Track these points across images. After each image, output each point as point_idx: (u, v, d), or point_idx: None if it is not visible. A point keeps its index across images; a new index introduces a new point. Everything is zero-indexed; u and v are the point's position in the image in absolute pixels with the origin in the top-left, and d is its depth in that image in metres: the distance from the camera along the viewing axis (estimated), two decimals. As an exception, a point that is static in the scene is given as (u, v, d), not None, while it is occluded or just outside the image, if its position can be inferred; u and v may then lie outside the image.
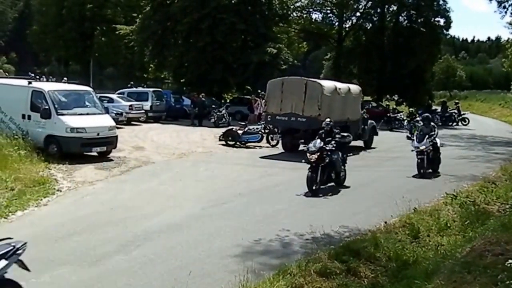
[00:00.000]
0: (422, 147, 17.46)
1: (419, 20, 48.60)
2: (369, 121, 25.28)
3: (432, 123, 18.85)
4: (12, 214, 11.57)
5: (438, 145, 18.26)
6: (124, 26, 51.59)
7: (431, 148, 17.66)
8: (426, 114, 20.06)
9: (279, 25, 48.83)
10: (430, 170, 17.81)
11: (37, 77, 31.74)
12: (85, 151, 18.30)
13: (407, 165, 19.72)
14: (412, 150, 17.76)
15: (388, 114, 37.23)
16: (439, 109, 42.06)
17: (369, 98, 46.00)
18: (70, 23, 56.11)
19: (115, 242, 9.85)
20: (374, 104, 43.86)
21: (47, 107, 17.78)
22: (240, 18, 40.46)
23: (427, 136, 17.62)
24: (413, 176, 17.14)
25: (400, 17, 50.51)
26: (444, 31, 51.58)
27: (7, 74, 33.71)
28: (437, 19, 48.94)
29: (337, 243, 9.76)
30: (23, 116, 18.27)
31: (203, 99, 34.30)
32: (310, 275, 7.93)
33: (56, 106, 17.89)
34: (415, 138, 18.27)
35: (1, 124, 18.43)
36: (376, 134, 26.11)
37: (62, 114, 17.87)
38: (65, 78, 31.29)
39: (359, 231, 10.61)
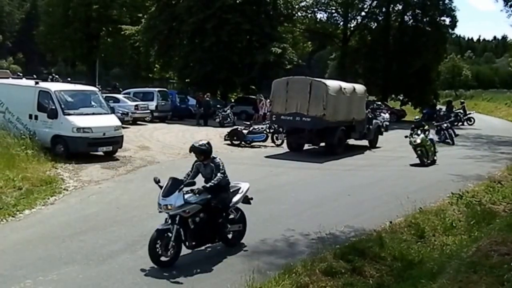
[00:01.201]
0: None
1: (424, 20, 48.39)
2: (374, 121, 25.29)
3: None
4: (20, 213, 11.67)
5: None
6: (130, 26, 51.65)
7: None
8: None
9: (284, 24, 48.82)
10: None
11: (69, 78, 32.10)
12: (91, 150, 18.38)
13: (412, 165, 19.74)
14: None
15: (436, 124, 28.05)
16: (444, 108, 41.96)
17: (374, 97, 45.90)
18: (76, 24, 56.21)
19: (121, 241, 9.90)
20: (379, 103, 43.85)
21: (53, 107, 17.85)
22: (245, 18, 40.45)
23: None
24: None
25: (406, 17, 50.30)
26: (450, 30, 51.36)
27: (19, 74, 33.71)
28: (442, 18, 48.71)
29: (342, 242, 9.79)
30: (30, 116, 18.34)
31: (207, 99, 34.34)
32: (315, 275, 7.96)
33: (63, 106, 17.95)
34: None
35: (8, 124, 18.46)
36: (381, 133, 26.11)
37: (69, 114, 17.92)
38: (99, 86, 31.45)
39: (364, 230, 10.62)
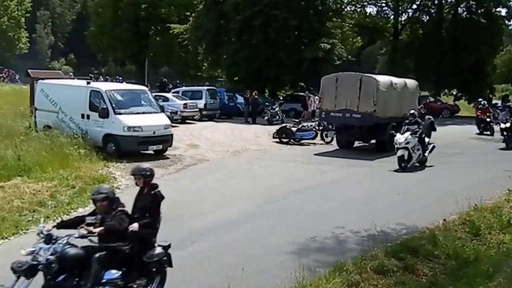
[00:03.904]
0: None
1: (479, 11, 46.94)
2: (427, 117, 24.76)
3: None
4: (74, 211, 11.93)
5: None
6: (178, 25, 52.09)
7: None
8: None
9: (333, 20, 48.29)
10: None
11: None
12: (142, 149, 18.60)
13: (466, 161, 19.32)
14: None
15: None
16: (500, 103, 40.75)
17: (426, 93, 44.96)
18: (125, 24, 57.05)
19: (172, 238, 9.87)
20: (432, 99, 42.96)
21: (105, 106, 18.17)
22: (293, 14, 40.17)
23: None
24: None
25: (459, 9, 48.84)
26: (506, 21, 49.68)
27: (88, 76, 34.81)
28: (498, 9, 47.16)
29: (393, 240, 9.63)
30: (82, 116, 18.70)
31: (256, 96, 34.35)
32: (366, 273, 7.86)
33: (114, 105, 18.25)
34: None
35: (62, 123, 18.89)
36: (434, 129, 25.55)
37: (120, 113, 18.21)
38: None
39: (417, 228, 10.44)
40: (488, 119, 28.91)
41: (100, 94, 18.47)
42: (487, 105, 31.78)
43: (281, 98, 40.83)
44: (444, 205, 11.75)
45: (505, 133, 22.98)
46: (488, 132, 28.27)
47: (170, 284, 8.02)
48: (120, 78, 34.57)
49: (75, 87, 20.11)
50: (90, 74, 36.47)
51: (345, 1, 50.21)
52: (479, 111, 29.90)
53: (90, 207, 12.26)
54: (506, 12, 47.30)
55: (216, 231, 10.46)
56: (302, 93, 38.37)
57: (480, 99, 34.03)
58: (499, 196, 13.00)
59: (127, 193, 13.76)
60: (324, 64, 39.43)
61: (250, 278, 8.02)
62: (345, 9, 51.39)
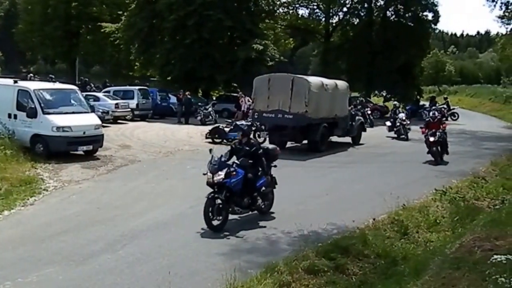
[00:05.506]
0: None
1: (407, 15, 48.41)
2: (357, 117, 25.28)
3: None
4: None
5: None
6: (110, 24, 51.25)
7: None
8: None
9: (266, 21, 48.65)
10: None
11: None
12: (71, 150, 18.16)
13: (396, 161, 19.79)
14: None
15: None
16: (427, 104, 42.02)
17: (357, 94, 45.91)
18: (56, 22, 55.56)
19: (102, 241, 9.80)
20: (362, 100, 43.88)
21: (33, 106, 17.62)
22: (227, 14, 40.23)
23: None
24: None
25: (388, 12, 50.19)
26: (433, 25, 51.33)
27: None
28: (425, 13, 48.77)
29: (325, 240, 9.72)
30: (9, 116, 18.05)
31: (189, 96, 34.15)
32: (298, 273, 7.92)
33: (42, 105, 17.73)
34: None
35: (-14, 124, 18.22)
36: (364, 130, 26.11)
37: (48, 113, 17.70)
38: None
39: (347, 228, 10.57)
40: (431, 139, 19.17)
41: (28, 94, 17.88)
42: (439, 116, 20.90)
43: (215, 98, 40.70)
44: (374, 204, 11.98)
45: None
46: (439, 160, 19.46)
47: (99, 288, 7.89)
48: (52, 76, 33.47)
49: (2, 86, 19.34)
50: (51, 75, 34.94)
51: (278, 3, 50.76)
52: (424, 128, 19.88)
53: (17, 210, 11.91)
54: (433, 16, 49.07)
55: (147, 233, 10.31)
56: (235, 94, 38.39)
57: (430, 108, 31.93)
58: (427, 195, 13.37)
59: (56, 195, 13.45)
60: (257, 64, 39.64)
61: (181, 281, 7.96)
62: (278, 11, 51.96)
